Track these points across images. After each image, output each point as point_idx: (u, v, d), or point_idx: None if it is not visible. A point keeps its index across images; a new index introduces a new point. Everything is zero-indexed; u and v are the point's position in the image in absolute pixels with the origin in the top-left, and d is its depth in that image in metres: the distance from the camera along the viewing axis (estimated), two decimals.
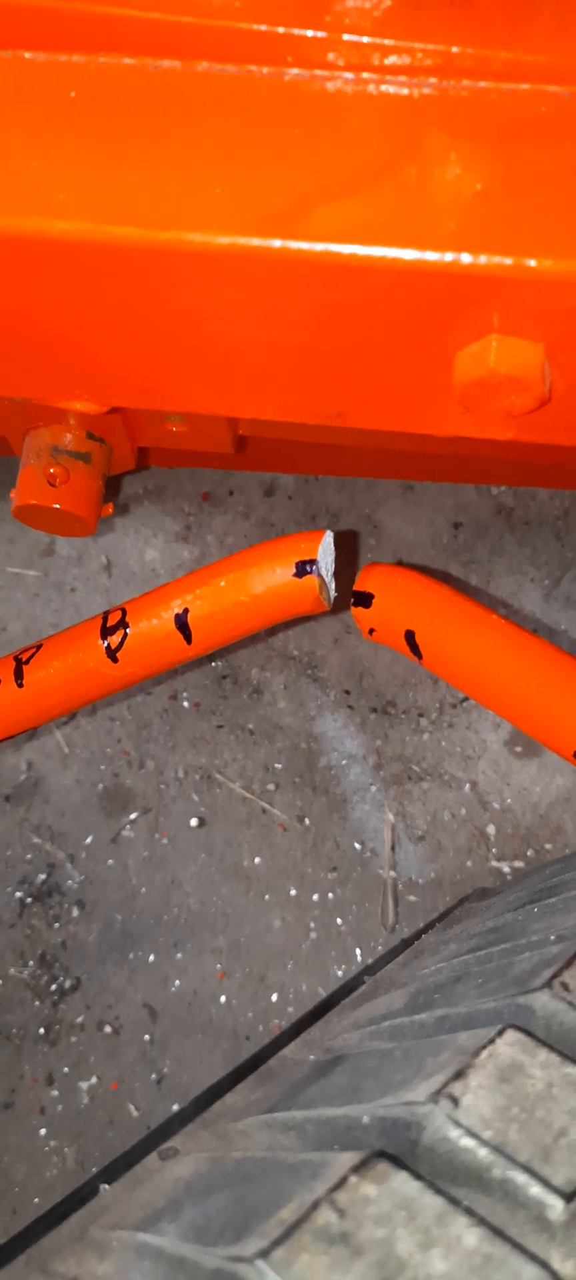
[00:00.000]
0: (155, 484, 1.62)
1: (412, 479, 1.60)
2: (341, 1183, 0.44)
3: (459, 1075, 0.48)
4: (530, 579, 1.57)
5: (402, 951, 1.29)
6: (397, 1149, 0.47)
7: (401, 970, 0.68)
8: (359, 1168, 0.45)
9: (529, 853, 1.45)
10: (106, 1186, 0.56)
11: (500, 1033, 0.50)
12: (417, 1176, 0.44)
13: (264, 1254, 0.42)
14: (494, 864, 1.45)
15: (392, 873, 1.45)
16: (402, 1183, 0.44)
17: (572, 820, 1.47)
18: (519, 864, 1.45)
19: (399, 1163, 0.45)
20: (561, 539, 1.60)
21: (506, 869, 1.45)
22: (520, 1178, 0.45)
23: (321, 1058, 0.58)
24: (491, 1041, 0.49)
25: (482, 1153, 0.46)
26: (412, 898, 1.44)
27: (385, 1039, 0.57)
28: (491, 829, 1.47)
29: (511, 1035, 0.50)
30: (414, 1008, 0.59)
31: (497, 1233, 0.43)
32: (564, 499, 1.61)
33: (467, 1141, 0.46)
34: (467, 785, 1.49)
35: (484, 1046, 0.49)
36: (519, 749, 1.49)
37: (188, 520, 1.61)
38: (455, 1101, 0.47)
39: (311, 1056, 0.60)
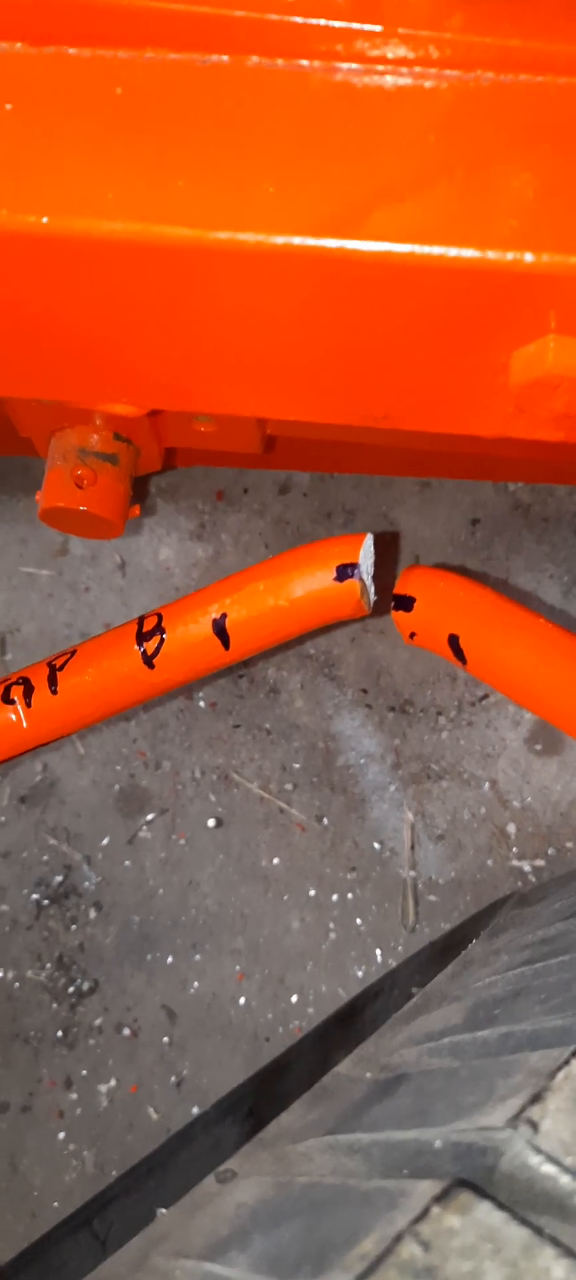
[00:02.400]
0: (169, 482, 1.60)
1: (430, 476, 1.58)
2: (424, 1214, 0.43)
3: (536, 1099, 0.47)
4: (548, 575, 1.56)
5: (428, 954, 1.28)
6: (474, 1176, 0.46)
7: (452, 982, 0.67)
8: (441, 1198, 0.43)
9: (550, 851, 1.44)
10: (163, 1211, 0.55)
11: (574, 1053, 0.49)
12: (501, 1206, 0.43)
13: None
14: (514, 863, 1.44)
15: (412, 872, 1.44)
16: (486, 1213, 0.43)
17: None
18: (539, 863, 1.44)
19: (481, 1192, 0.44)
20: None
21: (527, 868, 1.44)
22: None
23: (380, 1076, 0.57)
24: (567, 1063, 0.48)
25: (564, 1180, 0.45)
26: (433, 897, 1.43)
27: (446, 1056, 0.56)
28: (512, 828, 1.46)
29: None
30: (474, 1024, 0.58)
31: None
32: None
33: (549, 1168, 0.45)
34: (487, 784, 1.48)
35: (559, 1068, 0.48)
36: (539, 747, 1.48)
37: (202, 519, 1.59)
38: (534, 1127, 0.46)
39: (368, 1074, 0.58)
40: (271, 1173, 0.54)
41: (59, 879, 1.44)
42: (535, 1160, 0.45)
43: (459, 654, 0.76)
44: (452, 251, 0.56)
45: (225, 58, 0.61)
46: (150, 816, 1.46)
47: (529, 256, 0.56)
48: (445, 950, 0.81)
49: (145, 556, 1.58)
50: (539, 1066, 0.49)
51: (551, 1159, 0.45)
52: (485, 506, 1.59)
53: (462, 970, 0.69)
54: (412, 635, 0.80)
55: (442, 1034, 0.59)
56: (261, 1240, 0.48)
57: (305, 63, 0.60)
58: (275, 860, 1.44)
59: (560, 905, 0.73)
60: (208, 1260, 0.49)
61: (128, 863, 1.45)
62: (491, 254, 0.56)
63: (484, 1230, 0.43)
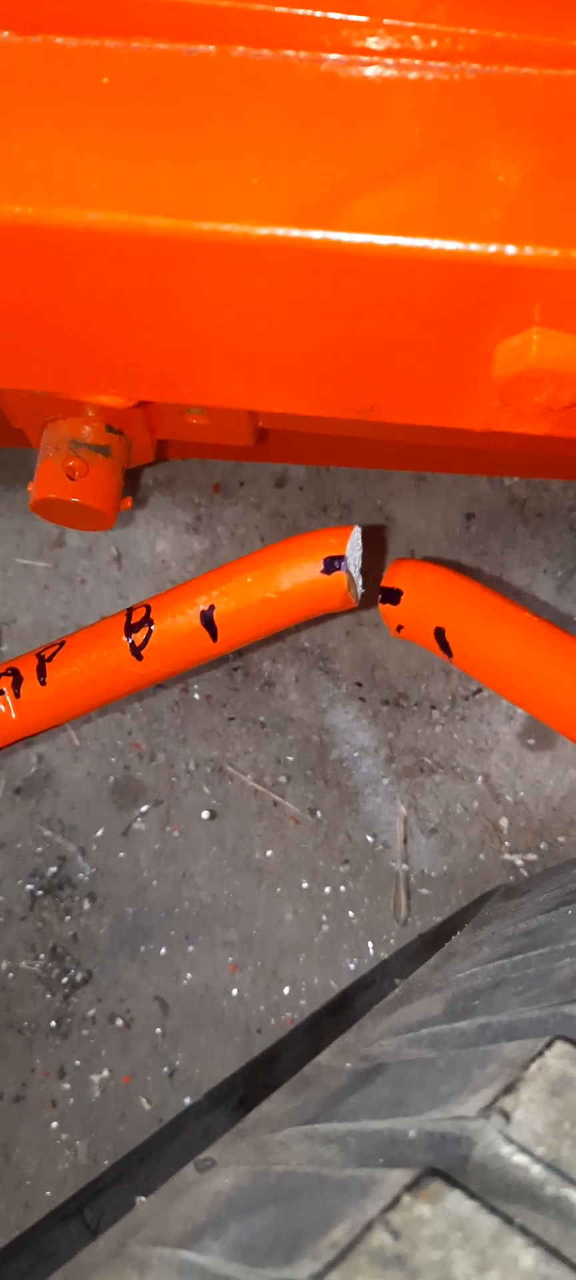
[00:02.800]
0: (166, 475, 1.60)
1: (425, 470, 1.58)
2: (395, 1202, 0.43)
3: (509, 1089, 0.47)
4: (543, 570, 1.56)
5: (418, 946, 1.29)
6: (447, 1165, 0.46)
7: (434, 974, 0.67)
8: (412, 1186, 0.44)
9: (542, 846, 1.44)
10: (142, 1199, 0.55)
11: (549, 1044, 0.49)
12: (472, 1195, 0.43)
13: (318, 1277, 0.41)
14: (507, 857, 1.44)
15: (405, 866, 1.44)
16: (457, 1202, 0.43)
17: None
18: (532, 857, 1.44)
19: (452, 1181, 0.44)
20: (575, 530, 1.58)
21: (519, 862, 1.44)
22: (574, 1195, 0.44)
23: (359, 1066, 0.57)
24: (540, 1054, 0.48)
25: (536, 1169, 0.45)
26: (425, 891, 1.44)
27: (425, 1047, 0.56)
28: (504, 822, 1.46)
29: (560, 1047, 0.49)
30: (453, 1014, 0.58)
31: (554, 1253, 0.42)
32: None
33: (520, 1158, 0.45)
34: (480, 778, 1.48)
35: (533, 1059, 0.48)
36: (532, 741, 1.49)
37: (198, 511, 1.59)
38: (507, 1117, 0.46)
39: (348, 1064, 0.59)
40: (250, 1161, 0.54)
41: (53, 870, 1.44)
42: (507, 1150, 0.45)
43: (445, 647, 0.77)
44: (435, 243, 0.56)
45: (211, 48, 0.61)
46: (144, 808, 1.47)
47: (511, 249, 0.56)
48: (435, 943, 0.82)
49: (141, 549, 1.58)
50: (513, 1057, 0.49)
51: (523, 1149, 0.45)
52: (480, 501, 1.59)
53: (445, 962, 0.69)
54: (400, 628, 0.80)
55: (422, 1024, 0.59)
56: (236, 1228, 0.48)
57: (291, 53, 0.60)
58: (268, 853, 1.45)
59: (544, 898, 0.73)
60: (183, 1248, 0.49)
61: (122, 854, 1.45)
62: (474, 246, 0.56)
63: (454, 1219, 0.43)
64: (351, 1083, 0.56)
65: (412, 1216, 0.43)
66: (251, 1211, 0.49)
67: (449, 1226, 0.42)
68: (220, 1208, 0.50)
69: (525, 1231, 0.43)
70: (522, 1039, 0.52)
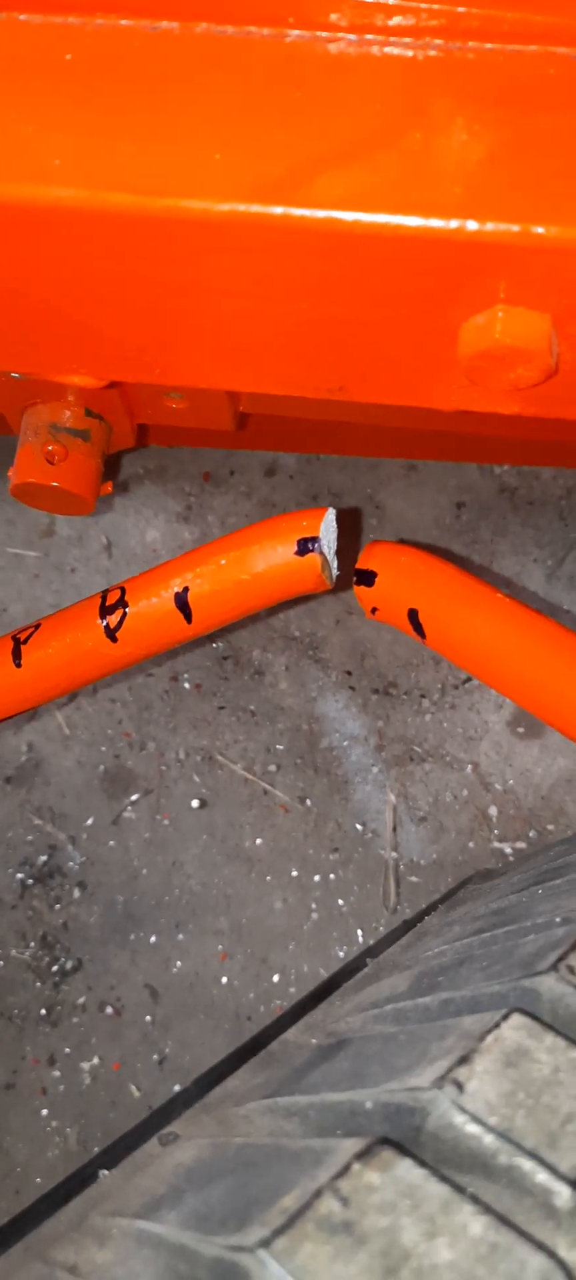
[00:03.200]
0: (156, 464, 1.61)
1: (415, 458, 1.58)
2: (344, 1170, 0.43)
3: (464, 1060, 0.47)
4: (533, 559, 1.56)
5: (404, 933, 1.29)
6: (401, 1135, 0.46)
7: (404, 952, 0.67)
8: (362, 1155, 0.44)
9: (531, 834, 1.44)
10: (106, 1172, 0.56)
11: (505, 1017, 0.49)
12: (422, 1164, 0.44)
13: (265, 1243, 0.41)
14: (496, 845, 1.44)
15: (394, 854, 1.44)
16: (406, 1170, 0.43)
17: (574, 801, 1.46)
18: (521, 845, 1.44)
19: (403, 1149, 0.44)
20: (565, 519, 1.58)
21: (508, 850, 1.44)
22: (526, 1165, 0.44)
23: (324, 1041, 0.58)
24: (496, 1026, 0.49)
25: (488, 1139, 0.45)
26: (414, 879, 1.44)
27: (388, 1022, 0.56)
28: (493, 810, 1.46)
29: (517, 1019, 0.49)
30: (417, 990, 0.59)
31: (503, 1221, 0.42)
32: (567, 478, 1.60)
33: (473, 1128, 0.45)
34: (469, 766, 1.48)
35: (489, 1031, 0.48)
36: (521, 730, 1.48)
37: (189, 500, 1.59)
38: (460, 1087, 0.46)
39: (313, 1040, 0.59)
40: (212, 1135, 0.54)
41: (43, 859, 1.45)
42: (460, 1120, 0.45)
43: (418, 629, 0.76)
44: (397, 219, 0.56)
45: (175, 24, 0.61)
46: (135, 797, 1.47)
47: (473, 224, 0.56)
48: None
49: (132, 538, 1.58)
50: (471, 1029, 0.49)
51: (476, 1119, 0.45)
52: (471, 489, 1.58)
53: (416, 941, 0.69)
54: (374, 610, 0.80)
55: (387, 1001, 0.59)
56: (193, 1198, 0.48)
57: (254, 29, 0.60)
58: (258, 841, 1.45)
59: (517, 879, 0.73)
60: (141, 1218, 0.49)
61: (112, 843, 1.45)
62: (436, 222, 0.56)
63: (403, 1187, 0.43)
64: (315, 1058, 0.56)
65: (362, 1184, 0.43)
66: (209, 1182, 0.49)
67: (398, 1194, 0.43)
68: (179, 1179, 0.51)
69: (475, 1200, 0.43)
70: (482, 1012, 0.52)
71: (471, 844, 1.44)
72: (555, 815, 1.45)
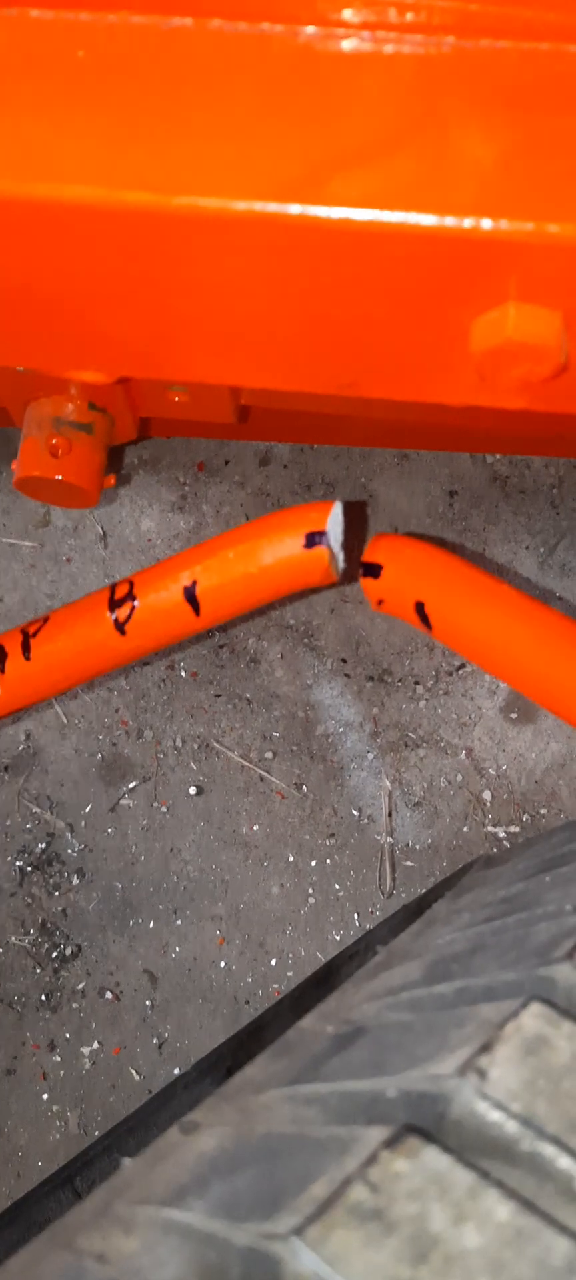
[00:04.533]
0: (150, 454, 1.60)
1: (408, 448, 1.59)
2: (373, 1158, 0.44)
3: (485, 1048, 0.48)
4: (525, 547, 1.57)
5: (401, 917, 1.30)
6: (425, 1123, 0.47)
7: (415, 940, 0.68)
8: (390, 1143, 0.45)
9: (524, 818, 1.46)
10: (128, 1161, 0.56)
11: (524, 1005, 0.50)
12: (447, 1150, 0.44)
13: (298, 1231, 0.42)
14: (490, 829, 1.46)
15: (390, 839, 1.46)
16: (433, 1157, 0.44)
17: (567, 786, 1.48)
18: (514, 829, 1.46)
19: (429, 1137, 0.45)
20: (556, 507, 1.59)
21: (502, 834, 1.46)
22: (548, 1150, 0.45)
23: (341, 1029, 0.58)
24: (516, 1014, 0.50)
25: (511, 1125, 0.46)
26: (409, 863, 1.45)
27: (404, 1010, 0.57)
28: (487, 795, 1.47)
29: (536, 1008, 0.50)
30: (432, 979, 0.60)
31: (528, 1205, 0.43)
32: (558, 467, 1.61)
33: (496, 1115, 0.46)
34: (463, 752, 1.49)
35: (509, 1019, 0.49)
36: (514, 715, 1.50)
37: (183, 490, 1.59)
38: (482, 1074, 0.47)
39: (330, 1028, 0.60)
40: (233, 1123, 0.55)
41: (42, 846, 1.45)
42: (482, 1107, 0.46)
43: (425, 621, 0.77)
44: (412, 218, 0.57)
45: (188, 20, 0.61)
46: (132, 785, 1.47)
47: (487, 223, 0.57)
48: (418, 913, 0.83)
49: (127, 528, 1.58)
50: (490, 1018, 0.50)
51: (498, 1106, 0.46)
52: (463, 478, 1.59)
53: (426, 929, 0.70)
54: (380, 602, 0.81)
55: (402, 989, 0.60)
56: (219, 1186, 0.49)
57: (267, 26, 0.60)
58: (255, 827, 1.46)
59: (523, 866, 0.74)
60: (167, 1206, 0.50)
61: (110, 830, 1.46)
62: (450, 220, 0.57)
63: (430, 1174, 0.44)
64: (332, 1046, 0.57)
65: (390, 1172, 0.44)
66: (234, 1170, 0.50)
67: (425, 1181, 0.44)
68: (204, 1167, 0.51)
69: (500, 1185, 0.44)
70: (499, 1001, 0.53)
71: (465, 828, 1.46)
72: (548, 799, 1.47)
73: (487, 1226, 0.42)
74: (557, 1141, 0.45)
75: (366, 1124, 0.49)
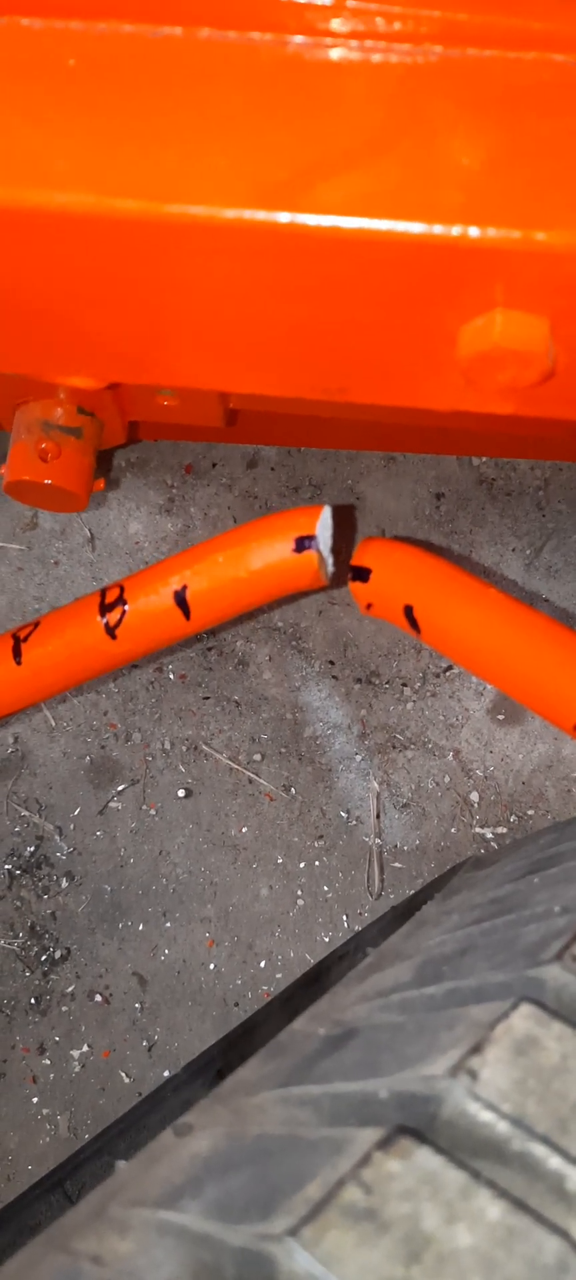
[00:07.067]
0: (138, 456, 1.60)
1: (395, 450, 1.59)
2: (366, 1159, 0.45)
3: (476, 1049, 0.49)
4: (511, 549, 1.58)
5: (390, 918, 1.31)
6: (417, 1123, 0.48)
7: (405, 942, 0.69)
8: (382, 1144, 0.45)
9: (511, 819, 1.47)
10: (122, 1163, 0.57)
11: (514, 1006, 0.51)
12: (439, 1151, 0.45)
13: (292, 1231, 0.42)
14: (477, 830, 1.47)
15: (378, 840, 1.46)
16: (426, 1158, 0.45)
17: (554, 787, 1.49)
18: (502, 830, 1.47)
19: (421, 1137, 0.45)
20: (542, 509, 1.60)
21: (489, 835, 1.46)
22: (539, 1150, 0.46)
23: (332, 1031, 0.59)
24: (506, 1015, 0.50)
25: (501, 1126, 0.46)
26: (398, 864, 1.46)
27: (395, 1012, 0.57)
28: (475, 796, 1.48)
29: (526, 1009, 0.51)
30: (422, 980, 0.60)
31: (519, 1205, 0.44)
32: (544, 469, 1.62)
33: (487, 1115, 0.47)
34: (451, 753, 1.50)
35: (499, 1020, 0.50)
36: (501, 717, 1.51)
37: (171, 493, 1.60)
38: (473, 1075, 0.48)
39: (321, 1030, 0.60)
40: (226, 1124, 0.56)
41: (31, 849, 1.45)
42: (474, 1108, 0.47)
43: (413, 624, 0.78)
44: (399, 225, 0.57)
45: (177, 30, 0.61)
46: (121, 787, 1.47)
47: (474, 230, 0.57)
48: (407, 914, 0.84)
49: (115, 530, 1.58)
50: (480, 1019, 0.51)
51: (489, 1106, 0.47)
52: (449, 481, 1.60)
53: (416, 930, 0.71)
54: (369, 606, 0.81)
55: (392, 990, 0.60)
56: (213, 1187, 0.50)
57: (256, 35, 0.61)
58: (244, 829, 1.46)
59: (511, 868, 0.75)
60: (162, 1208, 0.50)
61: (99, 833, 1.46)
62: (437, 228, 0.57)
63: (423, 1174, 0.44)
64: (324, 1047, 0.58)
65: (383, 1172, 0.44)
66: (228, 1172, 0.50)
67: (418, 1181, 0.44)
68: (198, 1169, 0.52)
69: (491, 1185, 0.44)
70: (489, 1002, 0.53)
71: (453, 829, 1.47)
72: (535, 800, 1.48)
73: (479, 1226, 0.43)
74: (548, 1141, 0.46)
75: (359, 1125, 0.49)
